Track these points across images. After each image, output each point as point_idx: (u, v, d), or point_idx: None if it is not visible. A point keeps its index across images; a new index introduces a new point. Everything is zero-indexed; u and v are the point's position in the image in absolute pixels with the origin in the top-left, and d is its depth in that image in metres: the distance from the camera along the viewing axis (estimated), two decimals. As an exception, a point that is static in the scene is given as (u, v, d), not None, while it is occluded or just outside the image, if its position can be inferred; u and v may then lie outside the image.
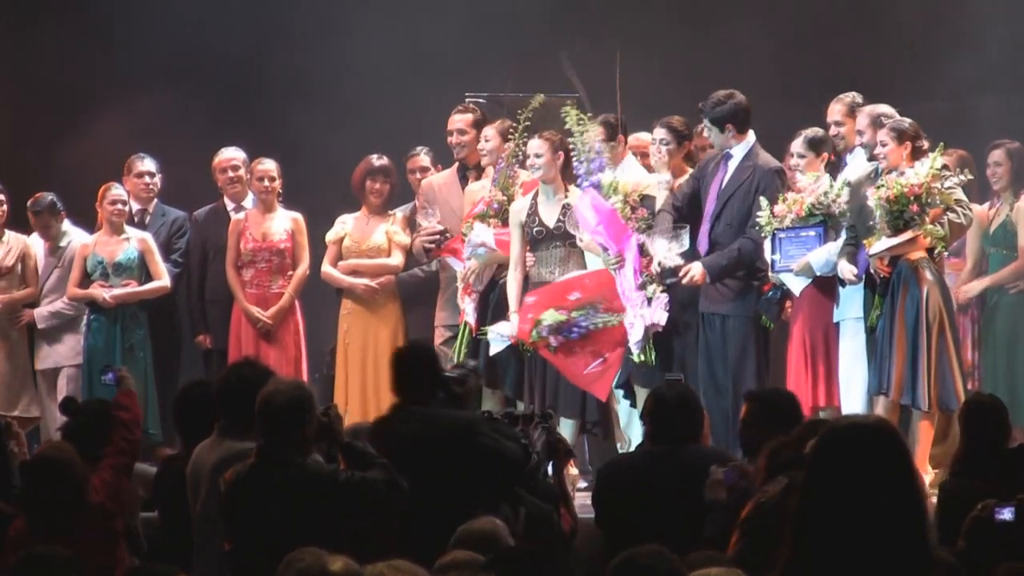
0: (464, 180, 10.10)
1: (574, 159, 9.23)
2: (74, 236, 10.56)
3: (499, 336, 9.33)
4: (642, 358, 9.06)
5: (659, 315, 9.07)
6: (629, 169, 9.53)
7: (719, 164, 9.23)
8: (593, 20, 11.88)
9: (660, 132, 9.41)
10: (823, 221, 8.99)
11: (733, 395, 8.97)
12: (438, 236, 9.87)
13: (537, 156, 9.27)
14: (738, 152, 9.17)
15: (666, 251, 9.07)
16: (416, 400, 6.49)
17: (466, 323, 9.59)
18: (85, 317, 10.43)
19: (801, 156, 9.23)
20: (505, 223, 9.50)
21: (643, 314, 9.05)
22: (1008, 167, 9.89)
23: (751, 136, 9.20)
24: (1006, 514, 4.87)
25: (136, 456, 6.70)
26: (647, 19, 11.98)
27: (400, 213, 10.59)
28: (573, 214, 9.22)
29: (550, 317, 9.02)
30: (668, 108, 9.70)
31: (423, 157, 10.66)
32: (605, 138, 9.42)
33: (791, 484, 5.42)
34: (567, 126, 9.21)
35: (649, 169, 9.67)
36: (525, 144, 9.38)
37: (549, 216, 9.35)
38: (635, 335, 9.06)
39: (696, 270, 9.03)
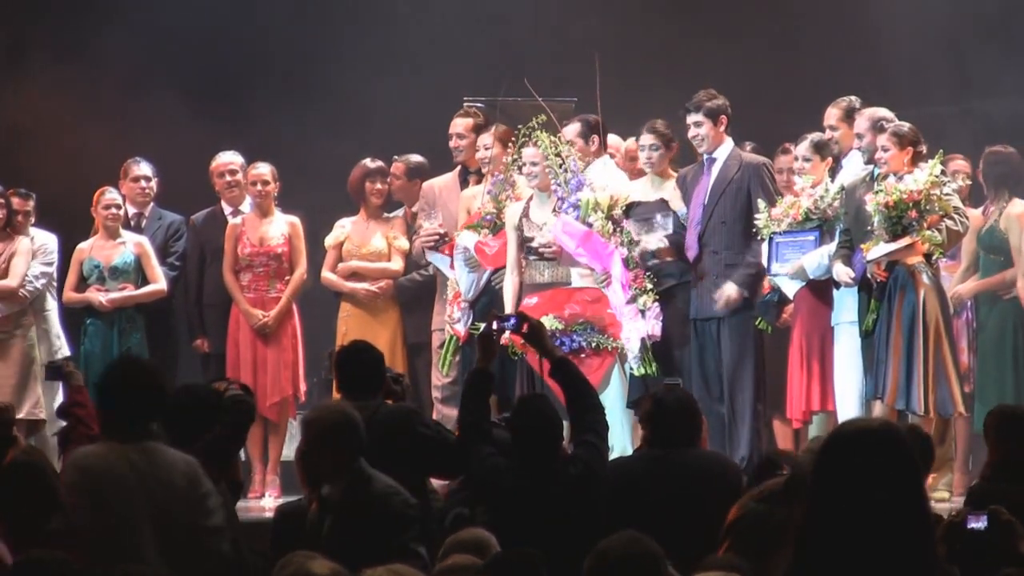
0: (464, 183, 10.11)
1: (552, 181, 9.23)
2: (43, 240, 10.52)
3: (490, 334, 9.33)
4: (643, 370, 9.05)
5: (653, 325, 9.08)
6: (602, 171, 9.50)
7: (701, 169, 9.23)
8: (592, 23, 11.89)
9: (648, 138, 9.36)
10: (819, 225, 9.01)
11: (730, 400, 8.97)
12: (438, 237, 9.87)
13: (533, 164, 9.28)
14: (721, 153, 9.18)
15: (647, 240, 9.11)
16: (359, 397, 6.54)
17: (454, 333, 9.61)
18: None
19: (807, 160, 9.22)
20: (495, 234, 9.52)
21: (637, 327, 9.05)
22: (980, 174, 9.85)
23: (731, 139, 9.22)
24: (977, 523, 4.91)
25: None
26: (644, 24, 12.02)
27: (399, 217, 10.60)
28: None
29: (548, 323, 9.00)
30: (659, 115, 9.69)
31: (399, 164, 10.65)
32: (580, 134, 9.43)
33: (775, 492, 5.44)
34: (541, 150, 9.20)
35: (633, 174, 9.68)
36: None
37: (540, 220, 9.36)
38: (632, 349, 9.06)
39: (731, 291, 9.01)
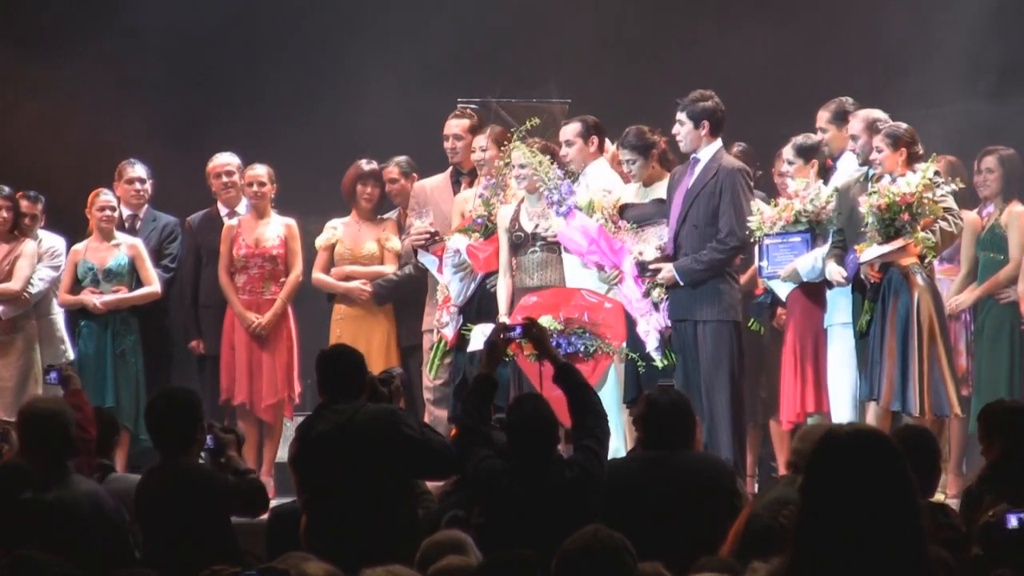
0: (457, 185, 10.10)
1: (541, 190, 9.24)
2: (51, 243, 10.52)
3: (483, 335, 9.33)
4: (665, 362, 9.06)
5: (664, 317, 9.09)
6: (597, 173, 9.50)
7: (686, 169, 9.22)
8: (586, 26, 11.90)
9: (623, 154, 9.36)
10: (810, 227, 9.01)
11: (708, 400, 8.92)
12: (428, 236, 9.86)
13: (522, 167, 9.28)
14: (705, 155, 9.14)
15: (644, 250, 9.12)
16: (340, 399, 6.54)
17: (442, 337, 9.60)
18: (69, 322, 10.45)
19: (790, 163, 9.26)
20: (487, 238, 9.51)
21: (654, 320, 9.06)
22: (999, 174, 9.84)
23: (719, 141, 9.19)
24: (1014, 521, 4.92)
25: (92, 453, 6.68)
26: (642, 26, 12.02)
27: (391, 219, 10.59)
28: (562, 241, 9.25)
29: (547, 322, 8.99)
30: (656, 114, 9.70)
31: (392, 167, 10.63)
32: (579, 134, 9.43)
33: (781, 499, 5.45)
34: (523, 162, 9.22)
35: (625, 177, 9.68)
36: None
37: (529, 222, 9.36)
38: (651, 342, 9.06)
39: (665, 273, 9.03)
